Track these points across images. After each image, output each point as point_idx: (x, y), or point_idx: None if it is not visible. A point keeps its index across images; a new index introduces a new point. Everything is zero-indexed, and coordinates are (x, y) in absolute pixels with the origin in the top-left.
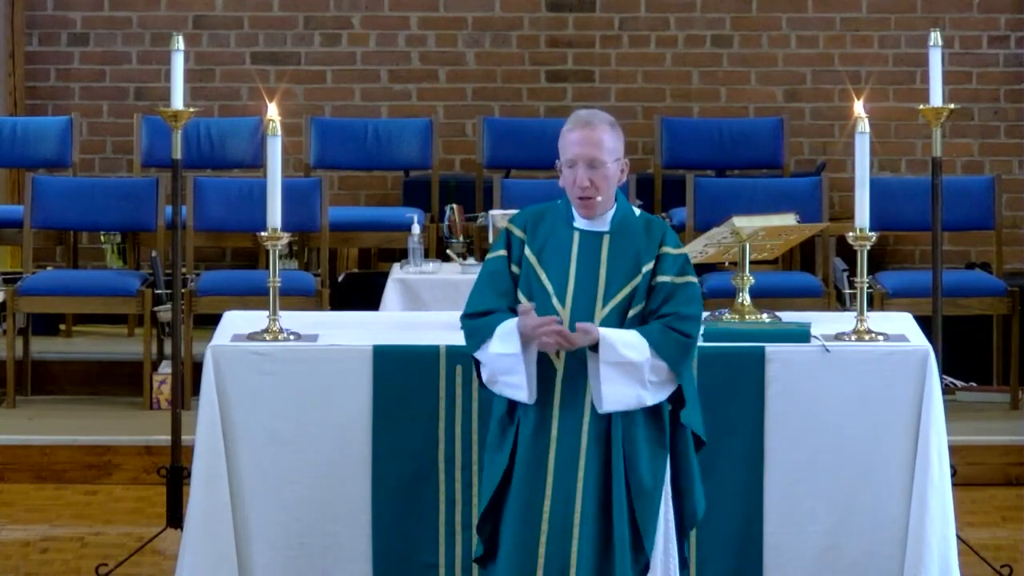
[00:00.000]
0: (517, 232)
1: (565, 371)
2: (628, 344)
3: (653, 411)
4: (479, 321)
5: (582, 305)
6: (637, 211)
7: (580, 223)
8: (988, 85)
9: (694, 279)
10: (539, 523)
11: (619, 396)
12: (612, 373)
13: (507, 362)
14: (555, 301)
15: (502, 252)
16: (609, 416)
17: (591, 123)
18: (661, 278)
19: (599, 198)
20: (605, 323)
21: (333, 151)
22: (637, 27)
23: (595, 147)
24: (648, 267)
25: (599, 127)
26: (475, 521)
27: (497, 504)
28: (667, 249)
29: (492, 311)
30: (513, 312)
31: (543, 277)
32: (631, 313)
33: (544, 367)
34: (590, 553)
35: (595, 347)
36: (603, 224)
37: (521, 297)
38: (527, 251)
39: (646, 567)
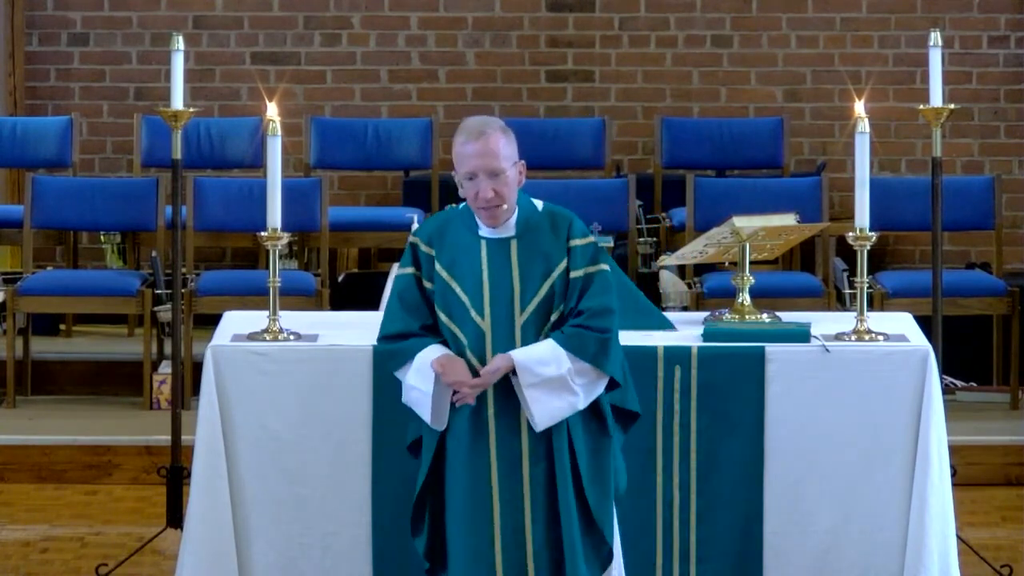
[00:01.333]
0: (424, 247)
1: (497, 384)
2: (543, 361)
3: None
4: (396, 345)
5: (501, 315)
6: (539, 204)
7: (485, 231)
8: (988, 85)
9: (605, 266)
10: (490, 530)
11: (551, 412)
12: (537, 393)
13: (418, 395)
14: (473, 314)
15: (410, 269)
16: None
17: (484, 132)
18: (574, 273)
19: (504, 206)
20: (525, 328)
21: (333, 151)
22: (637, 27)
23: (492, 157)
24: (562, 265)
25: (492, 136)
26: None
27: (432, 512)
28: (575, 242)
29: (405, 333)
30: (430, 333)
31: (458, 291)
32: (554, 316)
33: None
34: (546, 555)
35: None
36: (508, 230)
37: (440, 316)
38: (438, 266)
39: (609, 555)
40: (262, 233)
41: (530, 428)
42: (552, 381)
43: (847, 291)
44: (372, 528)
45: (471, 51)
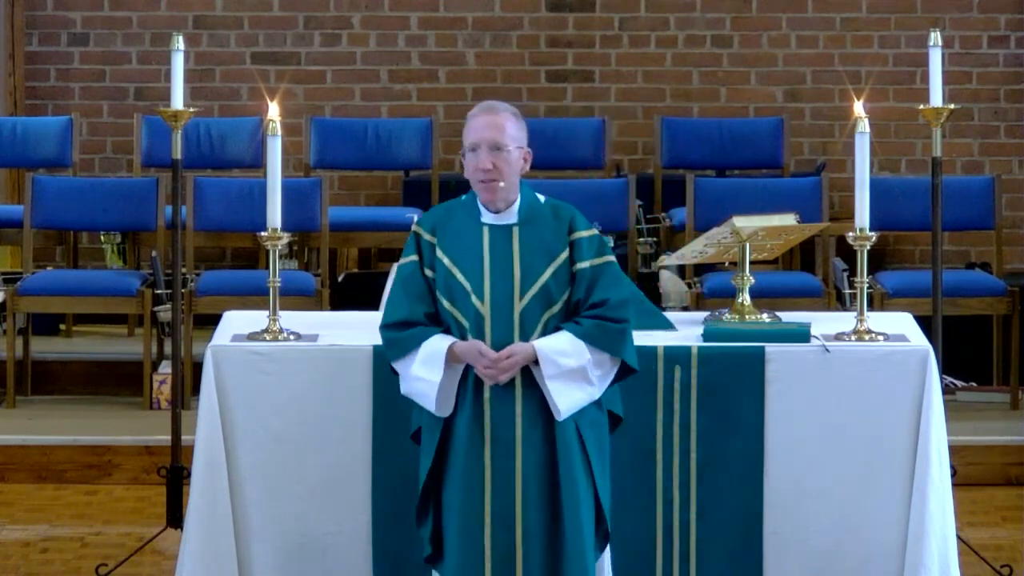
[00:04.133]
0: (426, 235)
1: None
2: (564, 353)
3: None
4: (401, 334)
5: (500, 299)
6: (542, 198)
7: (487, 218)
8: (988, 85)
9: (612, 258)
10: (481, 514)
11: (572, 402)
12: (559, 385)
13: (424, 386)
14: (474, 299)
15: (413, 257)
16: (541, 398)
17: (495, 109)
18: (580, 265)
19: (502, 183)
20: (524, 314)
21: (333, 151)
22: (637, 27)
23: (497, 131)
24: (563, 255)
25: (502, 114)
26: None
27: (435, 500)
28: (579, 234)
29: (409, 321)
30: (433, 322)
31: (459, 276)
32: (556, 307)
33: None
34: (538, 539)
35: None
36: (511, 216)
37: (442, 301)
38: (439, 252)
39: (607, 535)
40: (262, 233)
41: (524, 415)
42: (573, 373)
43: (847, 291)
44: (372, 528)
45: (471, 51)
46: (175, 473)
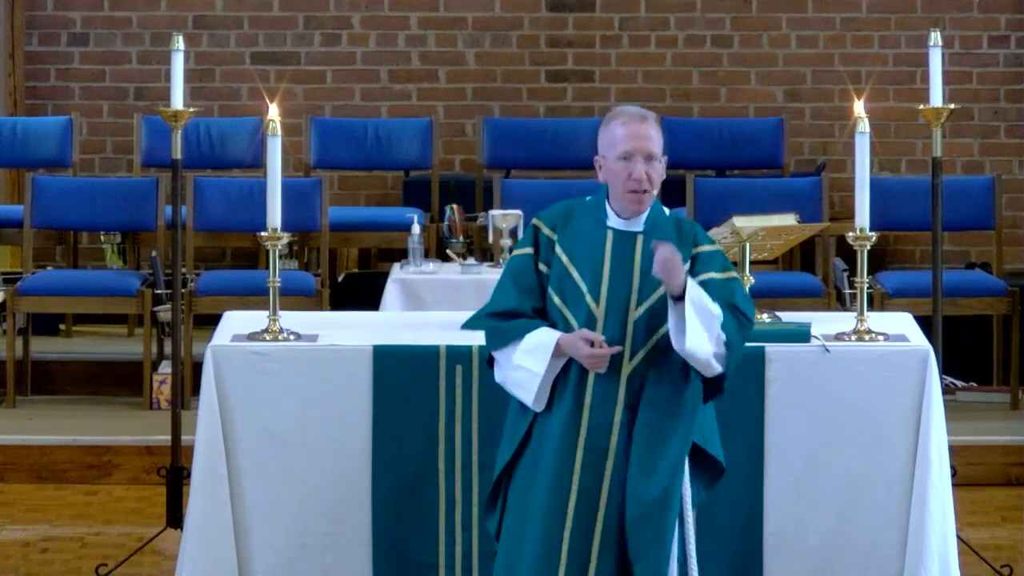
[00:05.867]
0: (546, 230)
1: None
2: (710, 299)
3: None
4: (505, 323)
5: (616, 304)
6: (667, 211)
7: (614, 222)
8: (988, 85)
9: (736, 275)
10: (563, 519)
11: (700, 342)
12: (695, 318)
13: (526, 376)
14: (589, 299)
15: (529, 250)
16: (647, 409)
17: (645, 118)
18: (706, 275)
19: (653, 192)
20: (638, 323)
21: (333, 151)
22: (637, 27)
23: (652, 141)
24: (685, 269)
25: (652, 123)
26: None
27: (504, 492)
28: (704, 248)
29: (516, 312)
30: (538, 317)
31: (576, 276)
32: (668, 324)
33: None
34: (612, 551)
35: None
36: (637, 224)
37: (553, 298)
38: (558, 249)
39: (721, 470)
40: (262, 233)
41: (621, 426)
42: (709, 316)
43: (847, 291)
44: (372, 528)
45: (471, 51)
46: (175, 473)
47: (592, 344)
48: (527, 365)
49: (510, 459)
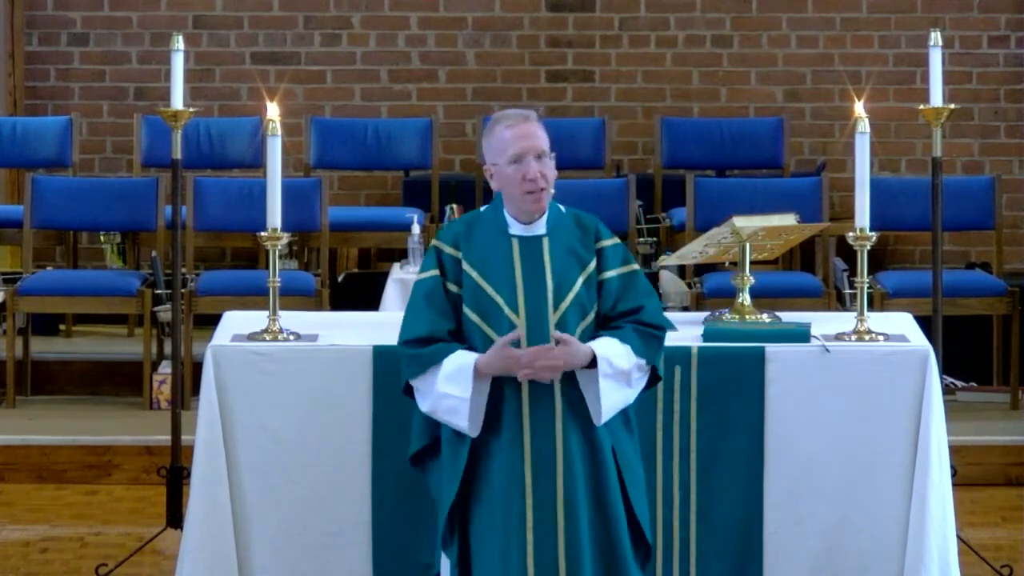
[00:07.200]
0: (448, 249)
1: (531, 383)
2: (618, 355)
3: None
4: (422, 350)
5: (535, 311)
6: (563, 208)
7: (516, 229)
8: (988, 85)
9: (637, 266)
10: (523, 532)
11: (614, 404)
12: (609, 385)
13: (453, 403)
14: (507, 311)
15: (433, 272)
16: (584, 418)
17: (528, 118)
18: (607, 274)
19: (550, 191)
20: (559, 326)
21: (333, 151)
22: (637, 27)
23: (539, 139)
24: (592, 265)
25: (536, 122)
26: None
27: (461, 522)
28: (604, 243)
29: (432, 337)
30: (454, 340)
31: (490, 290)
32: (590, 318)
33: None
34: (581, 555)
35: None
36: (539, 227)
37: (470, 316)
38: (466, 266)
39: (647, 554)
40: (262, 233)
41: (564, 428)
42: (621, 375)
43: (847, 291)
44: (372, 528)
45: (471, 51)
46: (175, 473)
47: (518, 345)
48: (452, 392)
49: (460, 488)
